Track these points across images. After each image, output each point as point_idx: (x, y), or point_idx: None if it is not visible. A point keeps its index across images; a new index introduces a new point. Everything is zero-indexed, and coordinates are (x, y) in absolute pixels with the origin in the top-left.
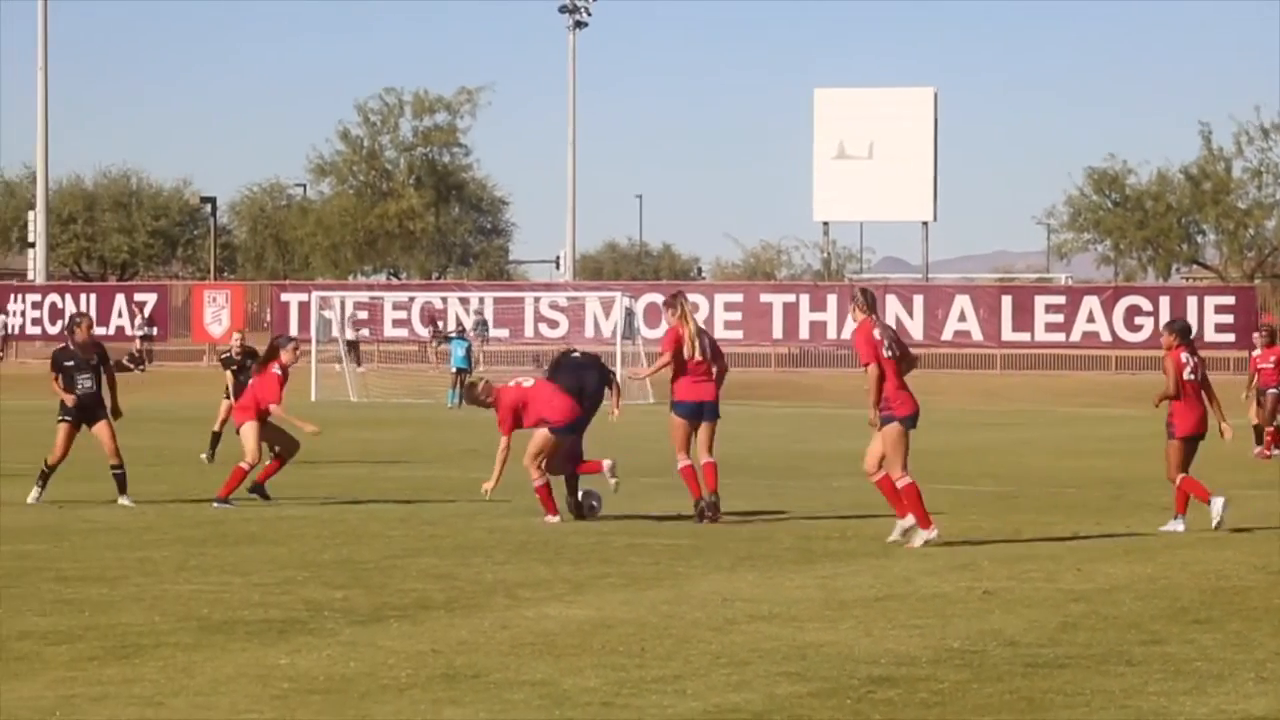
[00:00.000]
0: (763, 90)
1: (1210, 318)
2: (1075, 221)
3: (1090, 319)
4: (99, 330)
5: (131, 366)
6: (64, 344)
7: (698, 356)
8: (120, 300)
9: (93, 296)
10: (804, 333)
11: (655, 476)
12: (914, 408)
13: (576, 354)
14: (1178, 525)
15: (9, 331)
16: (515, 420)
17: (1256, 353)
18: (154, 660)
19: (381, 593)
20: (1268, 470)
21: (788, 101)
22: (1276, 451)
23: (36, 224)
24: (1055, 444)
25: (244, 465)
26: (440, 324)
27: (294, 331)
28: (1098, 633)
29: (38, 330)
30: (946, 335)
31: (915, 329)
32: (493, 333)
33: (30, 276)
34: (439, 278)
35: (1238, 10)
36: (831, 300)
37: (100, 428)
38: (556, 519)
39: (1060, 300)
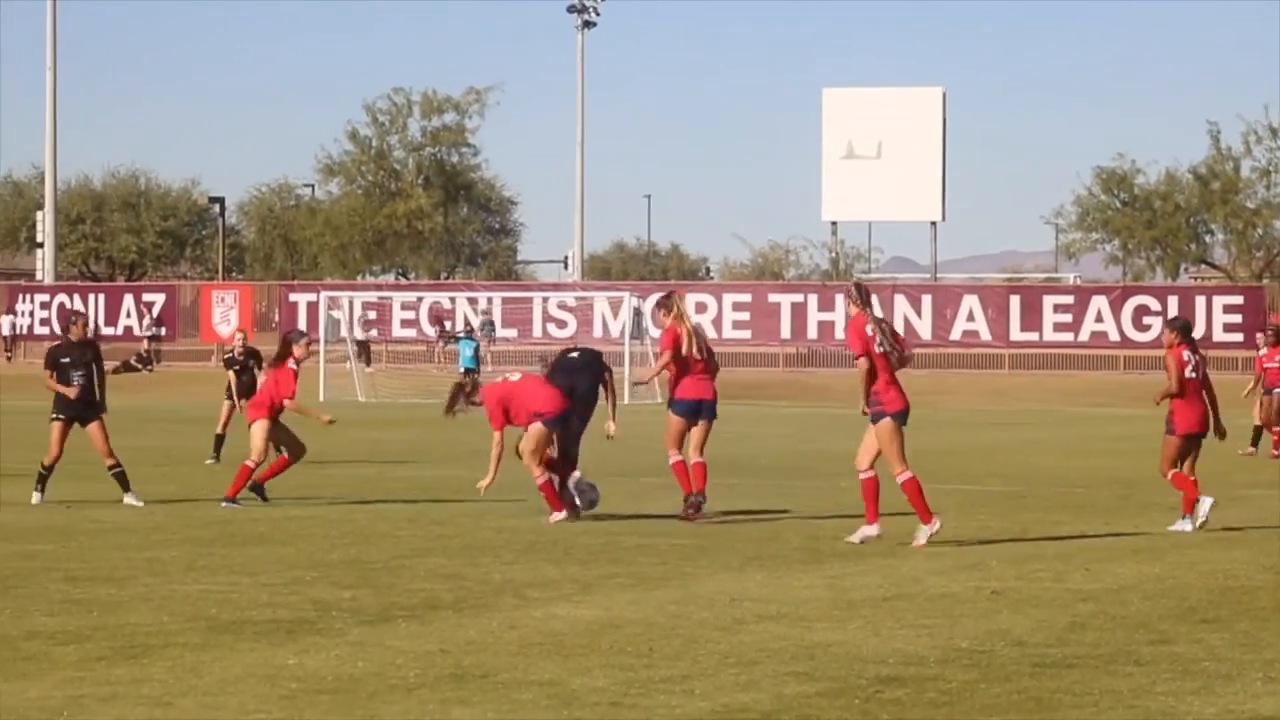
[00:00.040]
0: (771, 90)
1: (1219, 317)
2: (1084, 221)
3: (1099, 319)
4: (107, 330)
5: (140, 366)
6: (59, 341)
7: (696, 354)
8: (129, 300)
9: (101, 297)
10: (812, 332)
11: (662, 476)
12: (904, 404)
13: (574, 354)
14: (1185, 525)
15: (17, 331)
16: (505, 415)
17: (1262, 352)
18: (162, 660)
19: (389, 593)
20: (1275, 469)
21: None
22: None
23: (45, 224)
24: (1063, 444)
25: (249, 463)
26: (447, 324)
27: None
28: (1106, 632)
29: (46, 330)
30: (955, 335)
31: (923, 329)
32: (500, 333)
33: (39, 277)
34: (447, 278)
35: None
36: (840, 300)
37: (93, 428)
38: (563, 515)
39: (1069, 300)
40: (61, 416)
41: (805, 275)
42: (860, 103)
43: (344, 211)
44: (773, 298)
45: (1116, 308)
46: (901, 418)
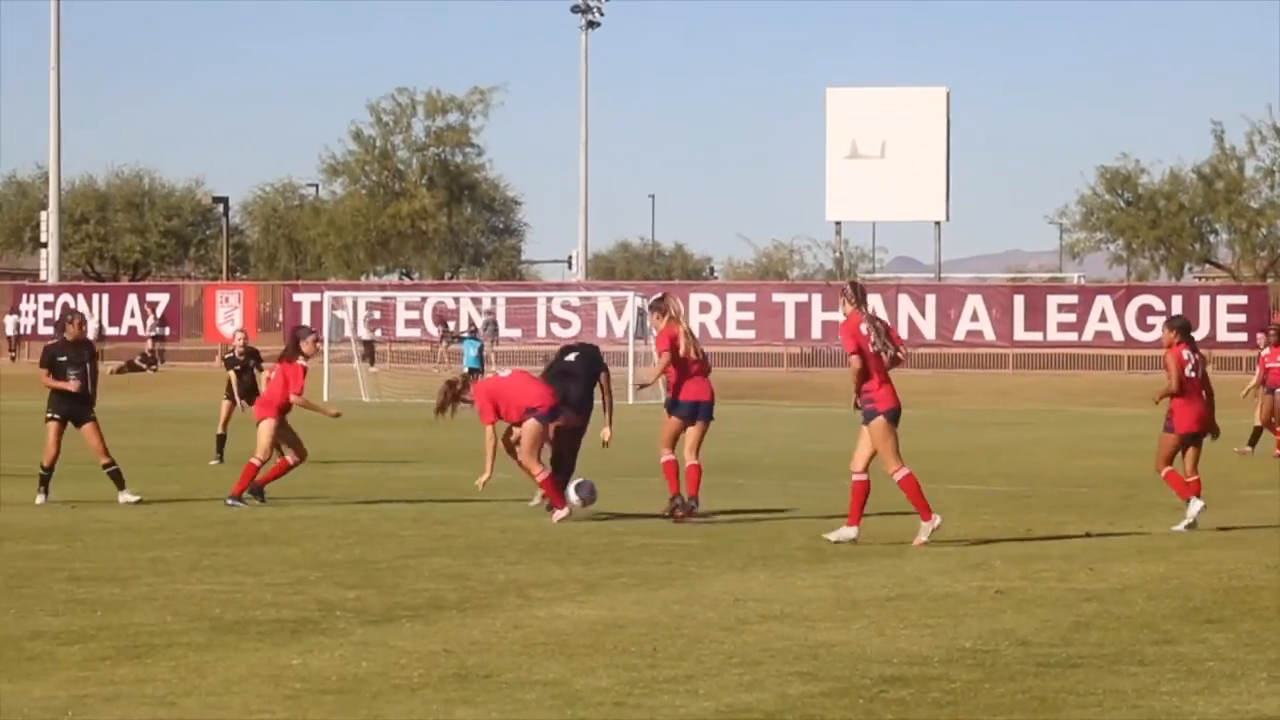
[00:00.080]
0: (775, 90)
1: (1223, 317)
2: (1088, 221)
3: (1103, 318)
4: (111, 330)
5: (144, 366)
6: (55, 340)
7: (694, 355)
8: (133, 300)
9: (105, 297)
10: (816, 332)
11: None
12: (896, 403)
13: (570, 357)
14: (1192, 514)
15: (21, 331)
16: (495, 411)
17: (1264, 352)
18: (166, 660)
19: (394, 593)
20: (1277, 469)
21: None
22: None
23: (49, 224)
24: (1068, 443)
25: (255, 461)
26: (450, 325)
27: None
28: (1110, 632)
29: (50, 331)
30: (959, 335)
31: (928, 329)
32: (505, 332)
33: (43, 277)
34: (451, 278)
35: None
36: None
37: (88, 428)
38: (566, 512)
39: (1073, 300)
40: (56, 416)
41: (809, 275)
42: (864, 102)
43: (348, 211)
44: (777, 298)
45: (1120, 307)
46: (893, 416)
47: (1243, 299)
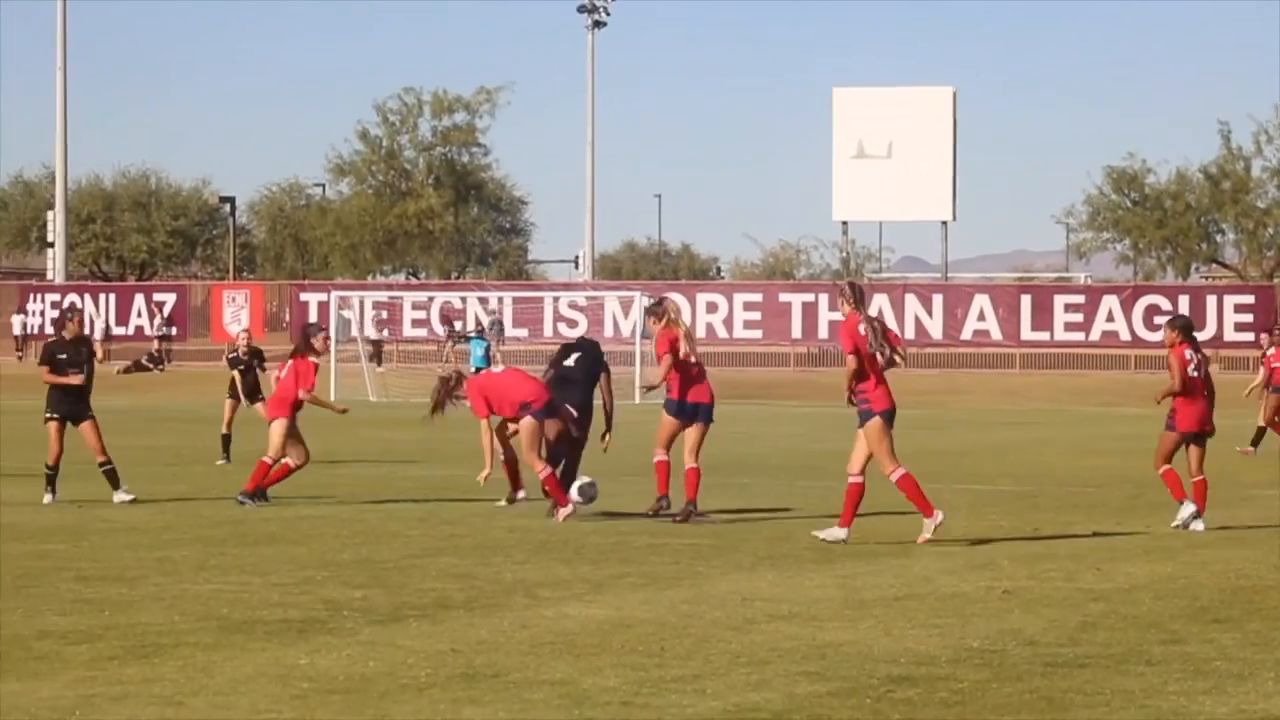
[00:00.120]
0: (781, 90)
1: (1230, 317)
2: (1094, 221)
3: (1109, 318)
4: (118, 330)
5: (151, 366)
6: (54, 338)
7: (693, 357)
8: (139, 300)
9: (112, 296)
10: (823, 332)
11: (673, 476)
12: (891, 404)
13: (570, 361)
14: (1198, 524)
15: (28, 331)
16: (487, 405)
17: (1270, 351)
18: (174, 660)
19: (401, 592)
20: None
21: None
22: None
23: (55, 224)
24: (1075, 443)
25: (267, 459)
26: (457, 325)
27: None
28: (1117, 632)
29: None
30: (966, 335)
31: (934, 328)
32: (512, 332)
33: (49, 276)
34: (458, 277)
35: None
36: None
37: (86, 426)
38: (570, 510)
39: (1079, 299)
40: (55, 416)
41: (816, 275)
42: (871, 102)
43: (354, 211)
44: (783, 297)
45: (1127, 307)
46: (889, 417)
47: (1250, 299)
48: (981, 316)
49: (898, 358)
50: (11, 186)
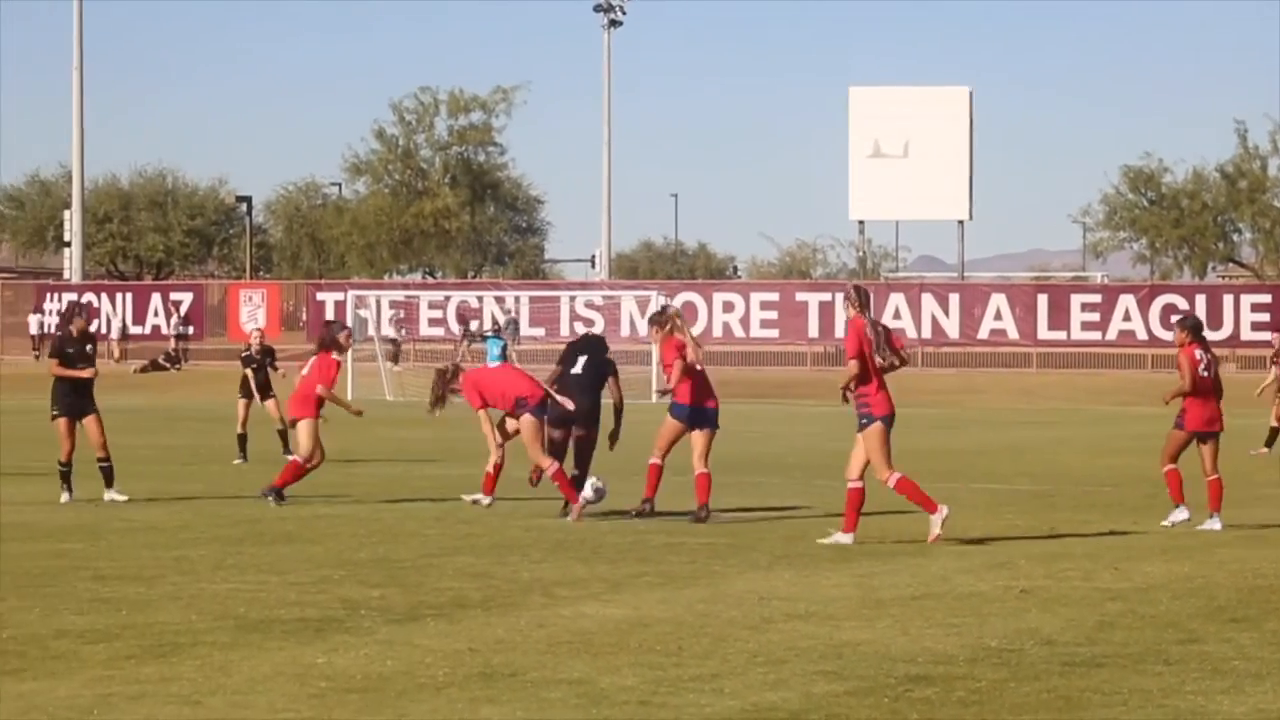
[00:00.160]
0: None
1: (1246, 316)
2: (1111, 220)
3: (1126, 317)
4: (135, 329)
5: (167, 365)
6: (62, 334)
7: (699, 364)
8: (156, 299)
9: (129, 296)
10: (839, 331)
11: (686, 475)
12: (890, 409)
13: (577, 368)
14: (1214, 524)
15: (45, 330)
16: (480, 396)
17: None
18: (191, 659)
19: (418, 591)
20: None
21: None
22: None
23: (72, 223)
24: (1091, 442)
25: (299, 460)
26: (473, 324)
27: None
28: (1135, 631)
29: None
30: (982, 334)
31: (951, 328)
32: (528, 331)
33: (66, 276)
34: (474, 277)
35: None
36: None
37: (89, 421)
38: (580, 505)
39: (1096, 299)
40: (61, 413)
41: (833, 274)
42: (887, 102)
43: (371, 210)
44: (800, 297)
45: (1144, 306)
46: (888, 422)
47: (1266, 298)
48: (998, 316)
49: (898, 361)
50: (28, 186)
